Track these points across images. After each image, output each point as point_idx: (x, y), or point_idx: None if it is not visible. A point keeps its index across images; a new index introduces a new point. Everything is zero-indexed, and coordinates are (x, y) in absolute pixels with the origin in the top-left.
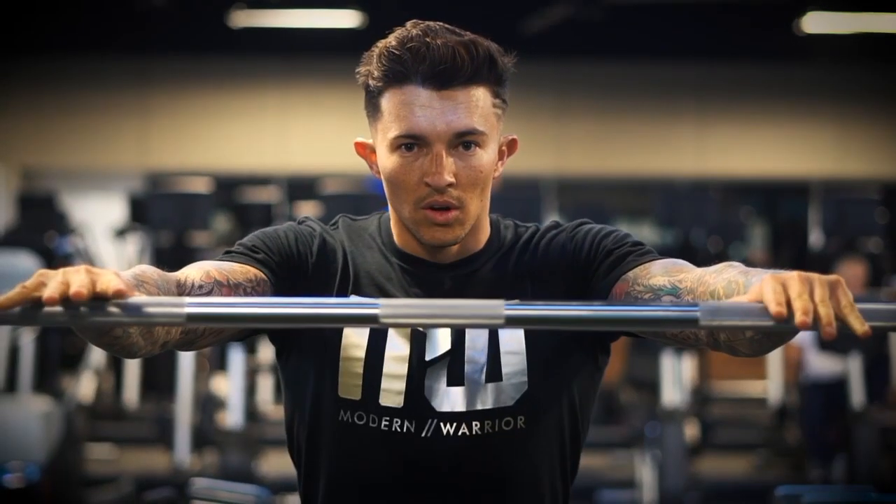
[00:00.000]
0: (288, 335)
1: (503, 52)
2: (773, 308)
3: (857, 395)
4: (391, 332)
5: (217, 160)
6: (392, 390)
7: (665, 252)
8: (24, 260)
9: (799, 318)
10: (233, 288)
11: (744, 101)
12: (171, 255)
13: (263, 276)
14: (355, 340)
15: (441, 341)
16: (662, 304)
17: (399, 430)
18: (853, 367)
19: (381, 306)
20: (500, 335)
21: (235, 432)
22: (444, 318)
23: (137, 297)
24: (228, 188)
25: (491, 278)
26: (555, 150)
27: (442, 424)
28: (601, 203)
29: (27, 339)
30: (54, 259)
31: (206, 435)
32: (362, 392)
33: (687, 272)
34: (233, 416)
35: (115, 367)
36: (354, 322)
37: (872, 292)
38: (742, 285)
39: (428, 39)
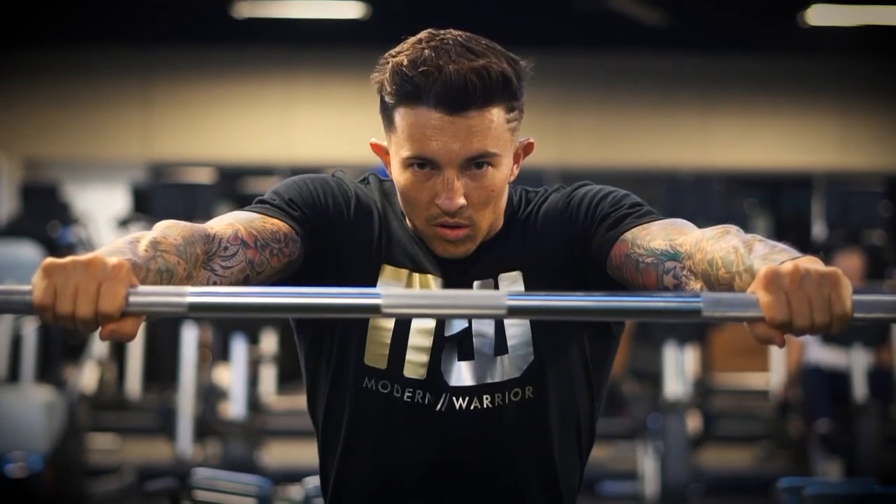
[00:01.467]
0: None
1: (517, 62)
2: (774, 323)
3: (860, 387)
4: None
5: (220, 151)
6: (416, 362)
7: None
8: (27, 250)
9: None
10: (259, 249)
11: (748, 94)
12: None
13: (295, 234)
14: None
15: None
16: (665, 294)
17: (420, 401)
18: (856, 360)
19: (383, 297)
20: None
21: (238, 423)
22: (446, 308)
23: (141, 287)
24: (231, 179)
25: (500, 259)
26: (558, 142)
27: (454, 399)
28: None
29: (30, 328)
30: (57, 249)
31: (208, 425)
32: (388, 362)
33: (686, 234)
34: (235, 407)
35: (118, 357)
36: (357, 312)
37: (875, 285)
38: (742, 258)
39: (441, 62)
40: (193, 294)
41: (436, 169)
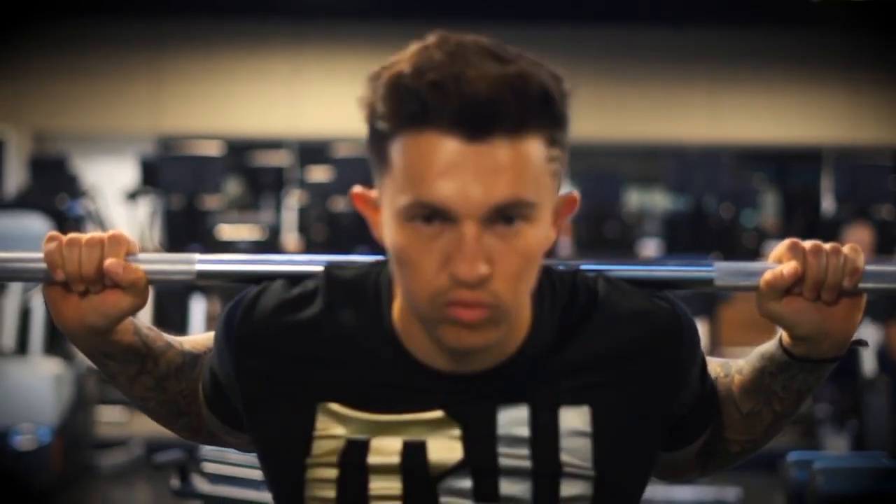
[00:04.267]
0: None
1: (559, 79)
2: (787, 259)
3: (869, 362)
4: (374, 441)
5: (229, 124)
6: None
7: (677, 218)
8: (35, 222)
9: (807, 296)
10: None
11: (757, 68)
12: (182, 219)
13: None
14: (325, 458)
15: (447, 446)
16: (679, 263)
17: None
18: (864, 335)
19: None
20: (560, 441)
21: None
22: None
23: (150, 255)
24: (240, 152)
25: (555, 379)
26: None
27: None
28: (613, 169)
29: (38, 301)
30: (66, 222)
31: None
32: None
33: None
34: None
35: None
36: None
37: (883, 259)
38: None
39: (457, 69)
40: (202, 262)
41: (448, 222)
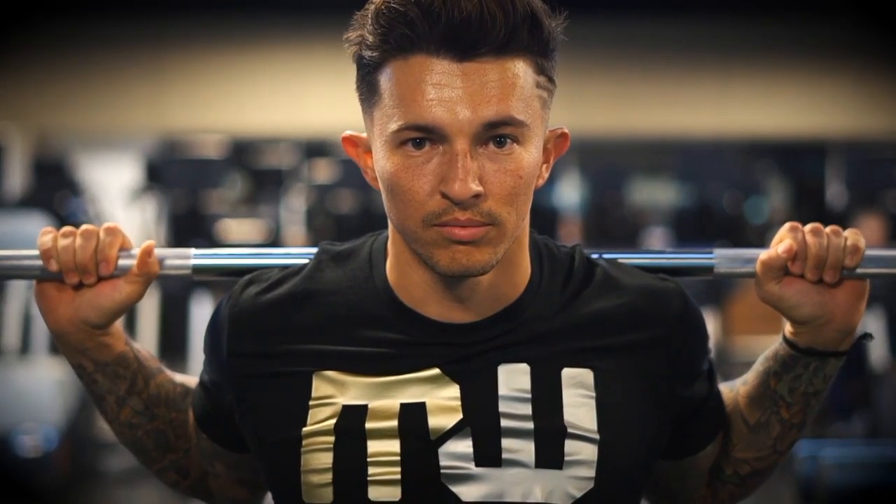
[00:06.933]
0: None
1: (550, 13)
2: (785, 241)
3: (878, 350)
4: (372, 405)
5: (232, 121)
6: (382, 478)
7: (684, 209)
8: (37, 224)
9: (809, 276)
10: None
11: (763, 58)
12: (186, 220)
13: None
14: (322, 425)
15: (445, 406)
16: (679, 251)
17: None
18: (874, 322)
19: None
20: (563, 402)
21: None
22: None
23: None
24: (244, 149)
25: (559, 337)
26: (571, 108)
27: None
28: (619, 161)
29: None
30: (66, 224)
31: None
32: (335, 489)
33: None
34: None
35: (130, 330)
36: None
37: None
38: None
39: None
40: (199, 256)
41: (439, 144)
